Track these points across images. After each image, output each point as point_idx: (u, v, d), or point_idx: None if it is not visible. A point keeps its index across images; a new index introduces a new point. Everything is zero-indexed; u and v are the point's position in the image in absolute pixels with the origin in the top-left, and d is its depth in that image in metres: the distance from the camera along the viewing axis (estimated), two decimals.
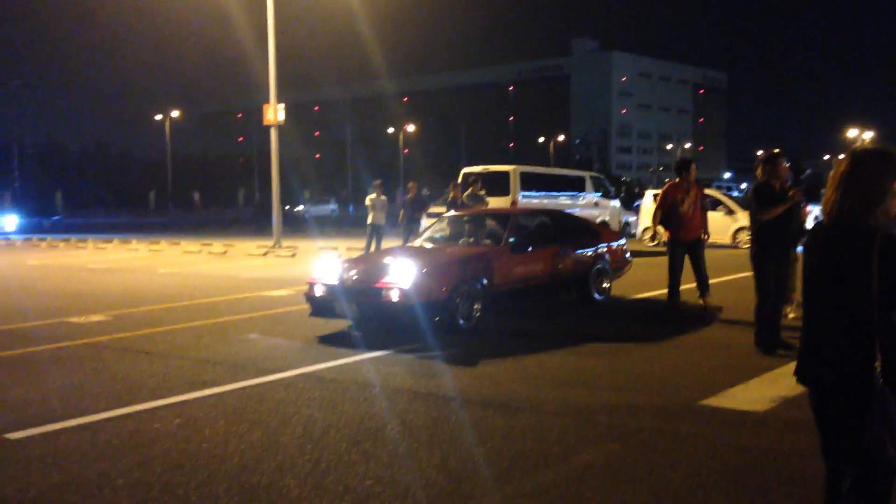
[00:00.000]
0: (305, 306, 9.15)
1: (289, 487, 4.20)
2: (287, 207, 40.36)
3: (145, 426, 5.35)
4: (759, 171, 7.39)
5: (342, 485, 4.22)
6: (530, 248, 9.36)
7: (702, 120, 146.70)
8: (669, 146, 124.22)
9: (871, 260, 2.63)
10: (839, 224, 2.78)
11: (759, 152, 7.60)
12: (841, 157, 2.97)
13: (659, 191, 10.51)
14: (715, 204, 19.28)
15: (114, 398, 6.05)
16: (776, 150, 7.46)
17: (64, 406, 5.85)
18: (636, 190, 67.28)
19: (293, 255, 20.13)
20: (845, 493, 2.80)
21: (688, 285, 9.72)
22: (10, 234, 35.06)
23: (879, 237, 2.63)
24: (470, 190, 14.59)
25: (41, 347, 8.17)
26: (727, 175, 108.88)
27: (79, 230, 35.91)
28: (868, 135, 77.02)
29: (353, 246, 20.77)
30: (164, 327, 9.25)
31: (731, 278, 12.98)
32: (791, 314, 8.68)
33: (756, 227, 7.26)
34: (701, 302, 9.49)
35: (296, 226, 36.64)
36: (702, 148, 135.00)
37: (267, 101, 23.14)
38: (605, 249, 10.61)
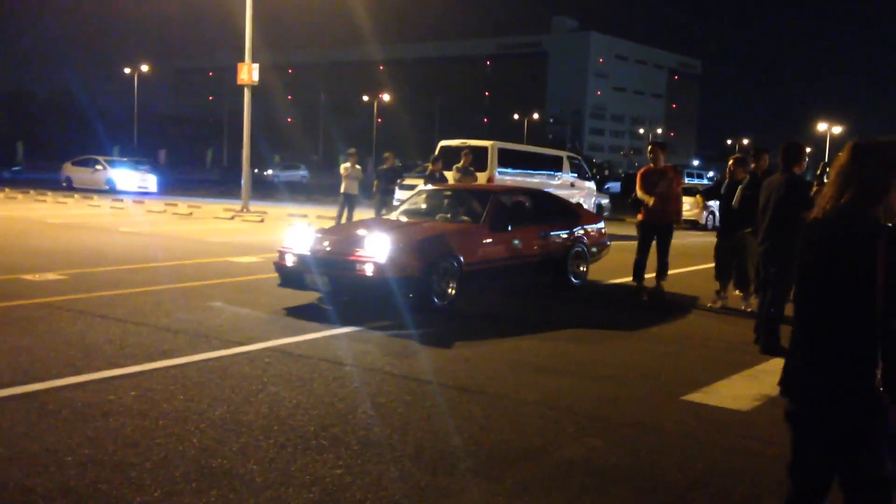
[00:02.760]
0: (274, 275, 8.81)
1: (252, 473, 3.91)
2: (256, 171, 39.55)
3: (99, 397, 5.00)
4: (793, 166, 6.93)
5: (310, 473, 3.94)
6: (509, 227, 9.10)
7: (674, 105, 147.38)
8: (641, 130, 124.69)
9: (874, 258, 2.39)
10: (835, 219, 2.55)
11: (805, 144, 7.14)
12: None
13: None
14: None
15: (66, 365, 5.68)
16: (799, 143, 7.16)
17: (11, 371, 5.47)
18: (606, 172, 67.48)
19: (261, 221, 19.67)
20: None
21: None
22: (151, 193, 31.09)
23: (885, 234, 2.41)
24: (461, 162, 14.28)
25: None
26: (696, 162, 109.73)
27: (39, 184, 34.79)
28: (837, 129, 77.95)
29: (322, 214, 20.38)
30: (124, 290, 8.84)
31: (702, 267, 12.88)
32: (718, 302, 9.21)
33: (786, 222, 6.71)
34: (654, 285, 9.67)
35: (264, 190, 36.03)
36: (673, 134, 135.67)
37: (240, 60, 22.49)
38: (584, 232, 10.39)
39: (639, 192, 9.64)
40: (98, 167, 32.91)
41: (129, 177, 32.24)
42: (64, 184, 32.64)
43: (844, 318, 2.49)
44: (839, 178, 2.60)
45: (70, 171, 33.66)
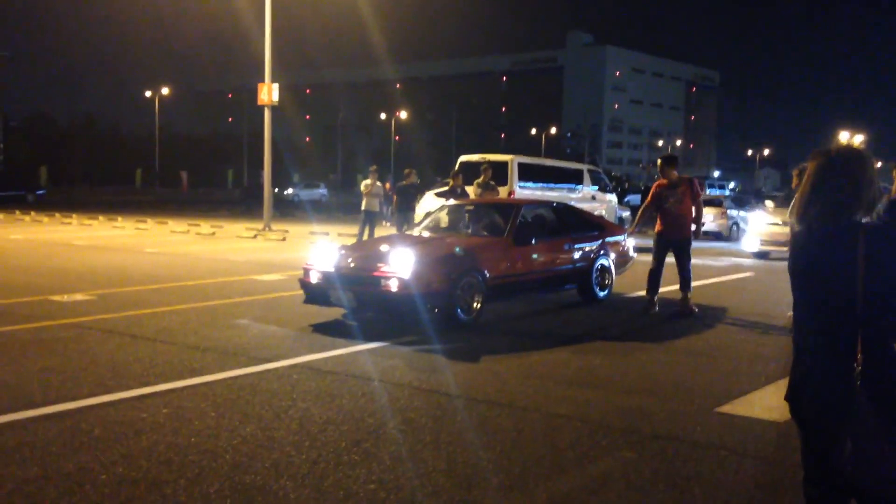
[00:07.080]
0: (298, 292, 8.84)
1: (285, 489, 3.90)
2: (276, 190, 39.73)
3: (131, 416, 5.02)
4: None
5: (343, 489, 3.92)
6: (533, 241, 9.07)
7: (693, 117, 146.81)
8: (660, 142, 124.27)
9: (857, 254, 2.50)
10: (827, 223, 2.59)
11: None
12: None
13: None
14: None
15: (97, 384, 5.71)
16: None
17: (44, 391, 5.52)
18: (626, 185, 67.13)
19: (283, 239, 19.76)
20: None
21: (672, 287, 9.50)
22: None
23: (864, 229, 2.53)
24: (482, 177, 14.29)
25: (21, 326, 7.80)
26: (716, 173, 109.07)
27: (64, 206, 35.18)
28: (859, 137, 77.22)
29: (344, 232, 20.45)
30: (151, 309, 8.89)
31: (729, 279, 12.77)
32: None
33: None
34: (680, 297, 9.41)
35: (285, 209, 36.22)
36: (692, 146, 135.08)
37: (259, 81, 22.70)
38: (609, 244, 10.32)
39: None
40: None
41: None
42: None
43: (850, 319, 2.54)
44: (828, 183, 2.61)
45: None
